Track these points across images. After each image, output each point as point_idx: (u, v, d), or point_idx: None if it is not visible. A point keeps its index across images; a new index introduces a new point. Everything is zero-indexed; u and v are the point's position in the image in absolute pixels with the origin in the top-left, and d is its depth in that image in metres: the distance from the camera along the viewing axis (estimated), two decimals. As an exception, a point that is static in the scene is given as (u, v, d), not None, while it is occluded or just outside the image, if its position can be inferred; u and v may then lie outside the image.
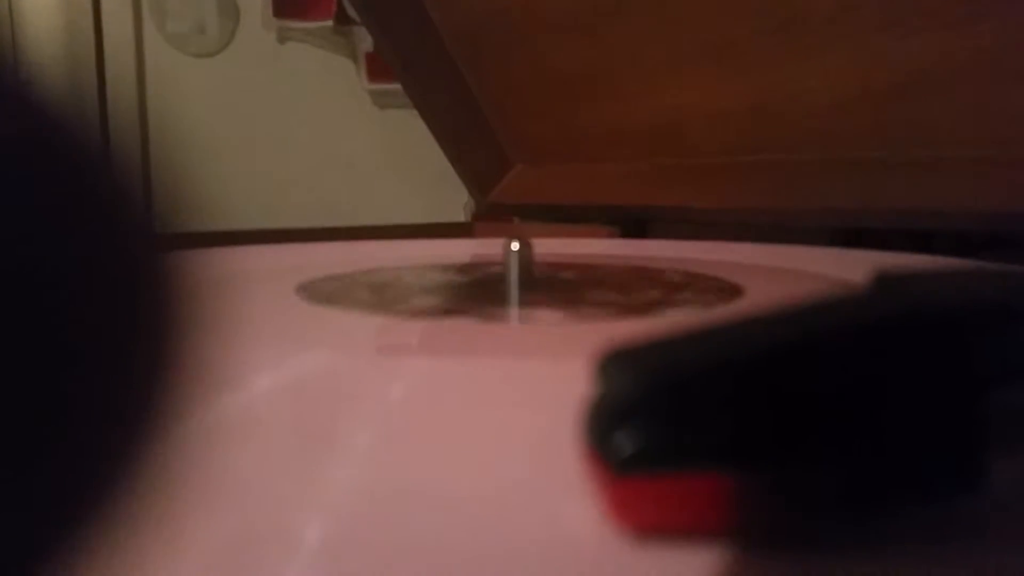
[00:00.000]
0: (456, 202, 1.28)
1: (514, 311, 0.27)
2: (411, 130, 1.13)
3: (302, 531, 0.10)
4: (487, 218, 0.86)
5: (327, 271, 0.34)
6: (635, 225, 0.67)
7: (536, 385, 0.18)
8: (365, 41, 1.28)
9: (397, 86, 0.90)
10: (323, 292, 0.29)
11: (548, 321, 0.25)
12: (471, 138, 0.80)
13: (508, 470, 0.12)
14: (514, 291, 0.30)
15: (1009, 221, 0.40)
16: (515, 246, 0.31)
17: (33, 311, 0.06)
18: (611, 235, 0.67)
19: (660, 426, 0.09)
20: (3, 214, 0.06)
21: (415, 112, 0.82)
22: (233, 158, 1.29)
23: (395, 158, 1.38)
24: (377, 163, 1.39)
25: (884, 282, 0.11)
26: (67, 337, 0.06)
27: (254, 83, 1.31)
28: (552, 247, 0.43)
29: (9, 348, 0.06)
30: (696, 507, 0.09)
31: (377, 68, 1.31)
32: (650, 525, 0.09)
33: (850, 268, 0.34)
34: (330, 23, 1.30)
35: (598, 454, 0.10)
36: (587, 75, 0.65)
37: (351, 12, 1.21)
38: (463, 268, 0.40)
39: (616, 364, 0.10)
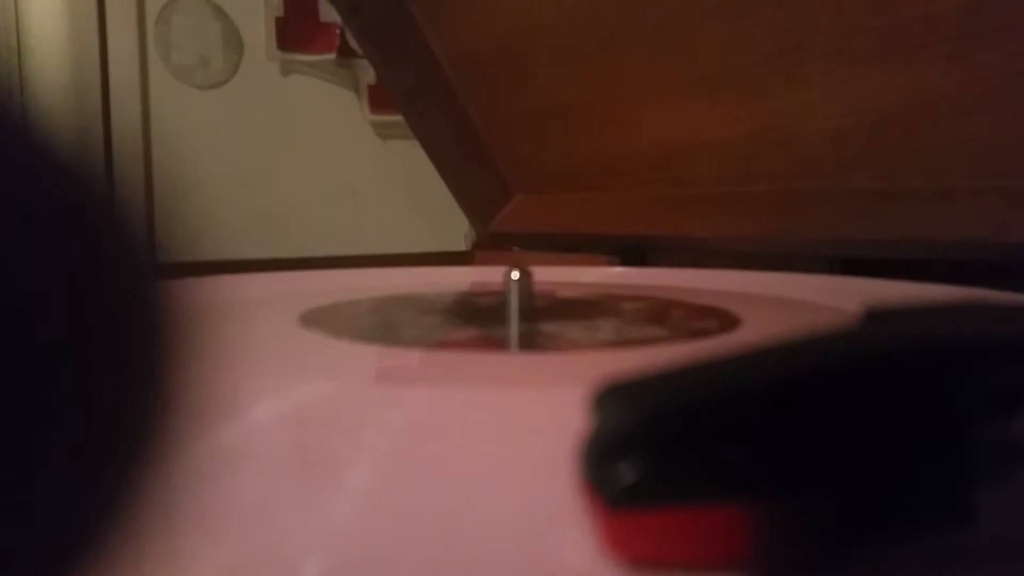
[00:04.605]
0: (456, 231, 1.29)
1: (514, 340, 0.27)
2: (412, 160, 1.14)
3: (301, 560, 0.10)
4: (487, 247, 0.86)
5: (329, 300, 0.34)
6: (635, 254, 0.67)
7: (535, 415, 0.18)
8: (367, 73, 1.30)
9: (399, 117, 0.91)
10: (325, 321, 0.29)
11: (547, 350, 0.25)
12: (472, 168, 0.80)
13: (505, 502, 0.12)
14: (514, 320, 0.30)
15: (1005, 251, 0.40)
16: (515, 275, 0.31)
17: (34, 340, 0.06)
18: (611, 264, 0.67)
19: (656, 459, 0.09)
20: (5, 242, 0.06)
21: (416, 143, 0.83)
22: (236, 188, 1.30)
23: (396, 188, 1.39)
24: (379, 193, 1.39)
25: (876, 317, 0.11)
26: (69, 365, 0.06)
27: (258, 115, 1.32)
28: (552, 276, 0.43)
29: (10, 376, 0.06)
30: (692, 540, 0.09)
31: (379, 100, 1.32)
32: (646, 558, 0.09)
33: (848, 297, 0.34)
34: (333, 56, 1.32)
35: (594, 487, 0.10)
36: (587, 105, 0.66)
37: (354, 45, 1.22)
38: (463, 297, 0.41)
39: (612, 397, 0.10)
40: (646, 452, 0.09)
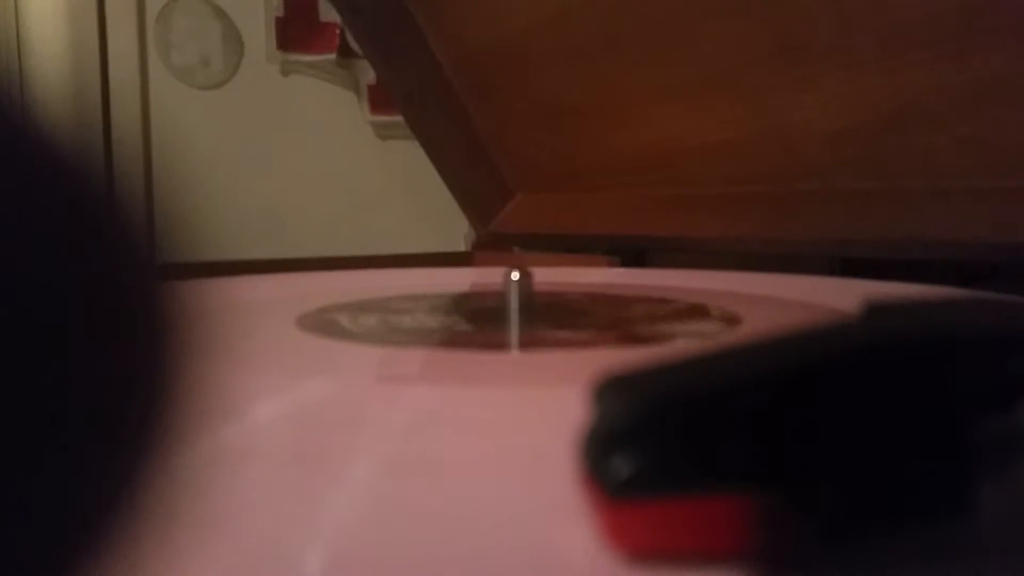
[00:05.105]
0: (456, 231, 1.29)
1: (514, 340, 0.27)
2: (412, 161, 1.14)
3: (302, 559, 0.10)
4: (487, 247, 0.86)
5: (328, 300, 0.34)
6: (634, 254, 0.67)
7: (535, 413, 0.18)
8: (367, 74, 1.30)
9: (399, 118, 0.91)
10: (324, 321, 0.29)
11: (547, 350, 0.25)
12: (472, 168, 0.80)
13: (506, 496, 0.12)
14: (514, 320, 0.30)
15: (1005, 251, 0.40)
16: (515, 275, 0.31)
17: (35, 341, 0.06)
18: (611, 264, 0.67)
19: (655, 451, 0.09)
20: (4, 243, 0.06)
21: (416, 143, 0.83)
22: (236, 189, 1.30)
23: (396, 188, 1.39)
24: (378, 193, 1.39)
25: (876, 311, 0.11)
26: (69, 366, 0.06)
27: (257, 115, 1.32)
28: (552, 276, 0.43)
29: (11, 377, 0.06)
30: (692, 531, 0.09)
31: (379, 100, 1.32)
32: (646, 549, 0.10)
33: (847, 297, 0.34)
34: (333, 56, 1.32)
35: (594, 478, 0.10)
36: (586, 105, 0.66)
37: (354, 45, 1.22)
38: (463, 297, 0.41)
39: (612, 390, 0.10)
40: (646, 444, 0.09)
